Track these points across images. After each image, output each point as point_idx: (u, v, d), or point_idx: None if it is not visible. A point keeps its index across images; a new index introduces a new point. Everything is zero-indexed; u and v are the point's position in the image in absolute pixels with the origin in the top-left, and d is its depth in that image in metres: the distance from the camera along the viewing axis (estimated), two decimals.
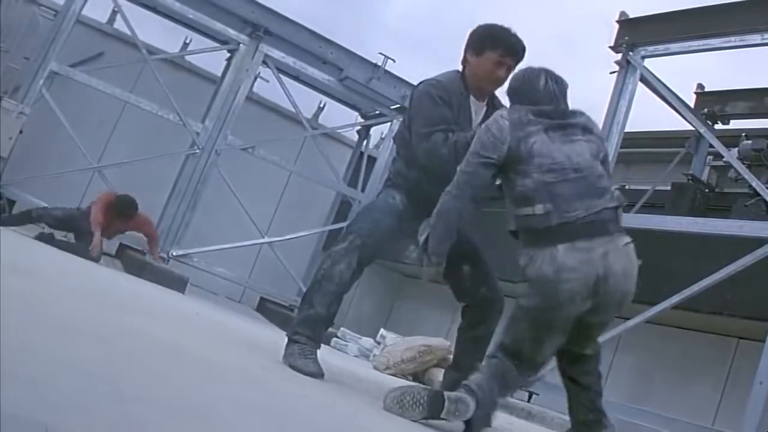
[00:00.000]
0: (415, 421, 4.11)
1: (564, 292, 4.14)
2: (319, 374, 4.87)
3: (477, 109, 5.25)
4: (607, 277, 4.20)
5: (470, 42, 5.25)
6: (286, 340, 5.12)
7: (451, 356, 7.37)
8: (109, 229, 11.73)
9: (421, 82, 5.30)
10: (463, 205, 4.54)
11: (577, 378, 4.60)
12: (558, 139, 4.45)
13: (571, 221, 4.20)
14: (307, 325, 5.12)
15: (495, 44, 5.12)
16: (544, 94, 4.68)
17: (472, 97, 5.23)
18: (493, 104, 5.31)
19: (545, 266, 4.17)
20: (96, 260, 10.89)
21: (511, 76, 4.97)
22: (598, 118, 10.60)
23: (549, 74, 4.74)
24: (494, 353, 4.38)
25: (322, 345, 5.38)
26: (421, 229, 4.74)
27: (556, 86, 4.73)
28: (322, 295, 5.13)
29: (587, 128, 4.60)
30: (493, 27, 5.22)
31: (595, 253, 4.18)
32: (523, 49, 5.15)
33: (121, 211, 11.86)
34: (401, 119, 5.74)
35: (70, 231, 11.52)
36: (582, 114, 4.68)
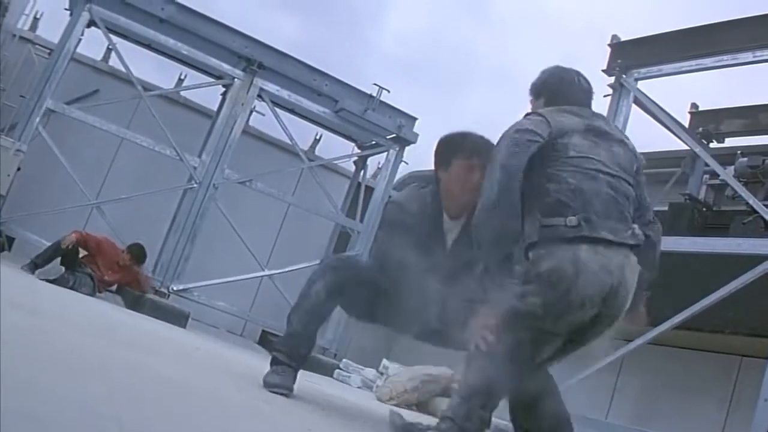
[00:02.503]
0: None
1: (579, 293, 3.92)
2: (281, 387, 4.81)
3: (451, 228, 5.07)
4: (618, 289, 4.01)
5: (436, 159, 5.13)
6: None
7: (455, 385, 7.35)
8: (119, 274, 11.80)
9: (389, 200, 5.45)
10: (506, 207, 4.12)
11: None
12: (595, 142, 4.28)
13: (597, 236, 4.00)
14: (285, 342, 5.14)
15: (458, 151, 5.00)
16: (579, 94, 4.54)
17: (445, 216, 5.07)
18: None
19: (566, 263, 3.93)
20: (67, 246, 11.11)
21: (541, 71, 4.72)
22: None
23: (581, 75, 4.62)
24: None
25: (326, 377, 5.42)
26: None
27: (589, 88, 4.61)
28: (299, 314, 5.13)
29: (621, 140, 4.43)
30: (453, 136, 5.12)
31: (613, 262, 4.00)
32: (487, 145, 4.77)
33: (137, 255, 11.96)
34: None
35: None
36: (608, 121, 4.57)
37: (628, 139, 4.52)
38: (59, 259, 11.20)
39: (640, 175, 4.46)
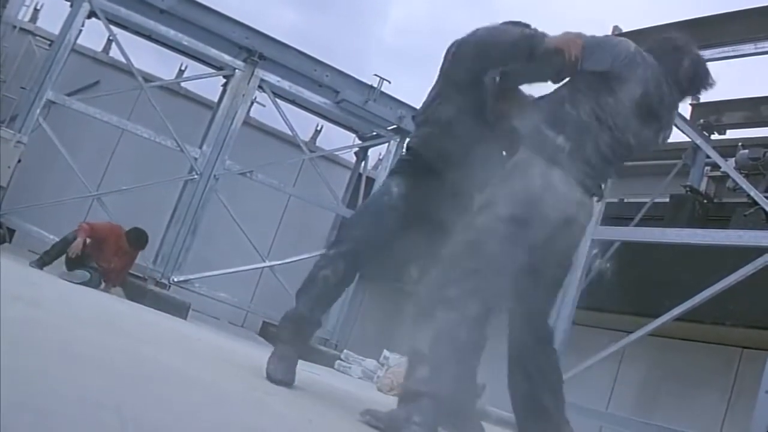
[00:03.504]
0: None
1: (544, 210, 4.04)
2: (284, 382, 4.75)
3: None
4: (571, 223, 4.16)
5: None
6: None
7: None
8: (116, 257, 11.72)
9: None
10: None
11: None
12: (656, 95, 4.32)
13: (573, 168, 4.13)
14: (289, 321, 5.08)
15: None
16: (679, 65, 4.52)
17: None
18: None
19: (537, 178, 4.06)
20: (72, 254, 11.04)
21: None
22: None
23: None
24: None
25: (327, 368, 5.38)
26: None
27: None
28: (306, 297, 5.09)
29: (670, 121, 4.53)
30: None
31: (574, 196, 4.13)
32: None
33: (138, 241, 11.89)
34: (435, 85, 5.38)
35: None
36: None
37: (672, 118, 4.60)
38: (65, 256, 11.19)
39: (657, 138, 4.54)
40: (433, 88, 5.11)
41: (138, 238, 11.89)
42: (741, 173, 10.13)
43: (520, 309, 4.40)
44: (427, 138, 5.00)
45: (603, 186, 4.38)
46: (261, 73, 14.02)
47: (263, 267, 14.62)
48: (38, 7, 16.54)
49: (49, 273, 10.76)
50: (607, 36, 4.43)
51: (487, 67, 4.73)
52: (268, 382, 4.85)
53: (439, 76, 5.07)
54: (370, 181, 15.72)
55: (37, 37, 15.79)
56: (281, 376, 4.75)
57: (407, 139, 5.19)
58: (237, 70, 14.00)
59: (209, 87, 16.40)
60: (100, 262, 11.32)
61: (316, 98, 14.70)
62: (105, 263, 11.38)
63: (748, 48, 8.89)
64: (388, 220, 5.04)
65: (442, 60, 5.06)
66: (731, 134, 12.23)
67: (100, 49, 16.64)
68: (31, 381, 2.58)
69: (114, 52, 15.86)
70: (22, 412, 2.06)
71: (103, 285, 11.31)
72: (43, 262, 11.02)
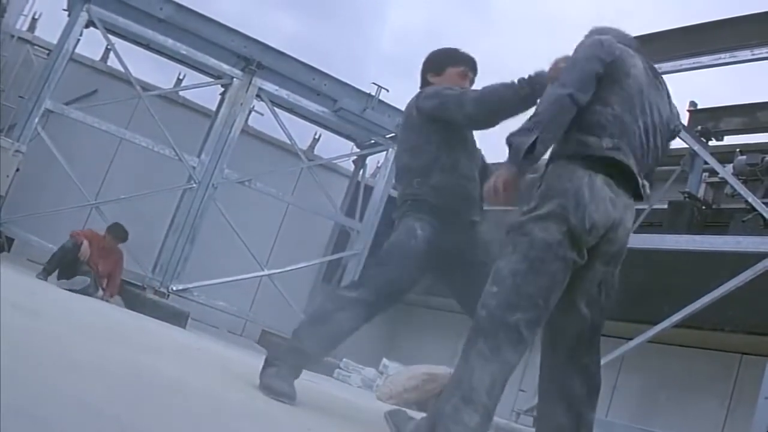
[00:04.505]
0: None
1: (591, 217, 3.88)
2: (290, 396, 4.63)
3: None
4: (618, 226, 4.04)
5: (428, 66, 5.49)
6: (263, 362, 4.90)
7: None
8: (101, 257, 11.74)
9: (413, 99, 5.35)
10: (577, 104, 4.01)
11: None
12: (651, 82, 4.27)
13: (617, 170, 4.00)
14: (292, 356, 4.90)
15: (456, 60, 5.43)
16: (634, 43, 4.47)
17: None
18: None
19: (584, 186, 3.90)
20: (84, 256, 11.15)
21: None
22: None
23: None
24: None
25: (326, 377, 5.35)
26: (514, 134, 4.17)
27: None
28: (316, 336, 4.93)
29: (669, 94, 4.45)
30: (448, 48, 5.53)
31: (620, 200, 4.02)
32: (475, 62, 5.48)
33: (118, 233, 11.92)
34: (399, 141, 5.62)
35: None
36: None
37: (672, 100, 4.54)
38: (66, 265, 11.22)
39: (669, 139, 4.51)
40: (411, 145, 5.27)
41: (120, 230, 11.95)
42: (739, 179, 10.15)
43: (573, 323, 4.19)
44: (442, 189, 5.06)
45: (646, 186, 4.23)
46: (259, 81, 14.03)
47: (262, 275, 14.60)
48: (36, 17, 16.58)
49: (49, 282, 10.77)
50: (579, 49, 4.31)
51: (499, 121, 4.81)
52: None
53: (417, 132, 5.22)
54: (369, 189, 15.72)
55: (36, 47, 15.80)
56: (287, 389, 4.66)
57: (408, 189, 5.10)
58: (235, 79, 14.01)
59: (207, 96, 16.44)
60: (90, 263, 11.36)
61: (314, 107, 14.70)
62: (93, 267, 11.40)
63: (745, 54, 8.91)
64: (412, 266, 4.99)
65: (408, 121, 5.31)
66: (729, 140, 12.26)
67: (98, 58, 16.64)
68: (31, 389, 2.58)
69: (112, 61, 15.85)
70: (21, 420, 2.06)
71: (101, 293, 11.32)
72: (48, 272, 11.06)
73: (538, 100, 4.31)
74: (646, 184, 4.22)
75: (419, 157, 5.16)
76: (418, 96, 5.31)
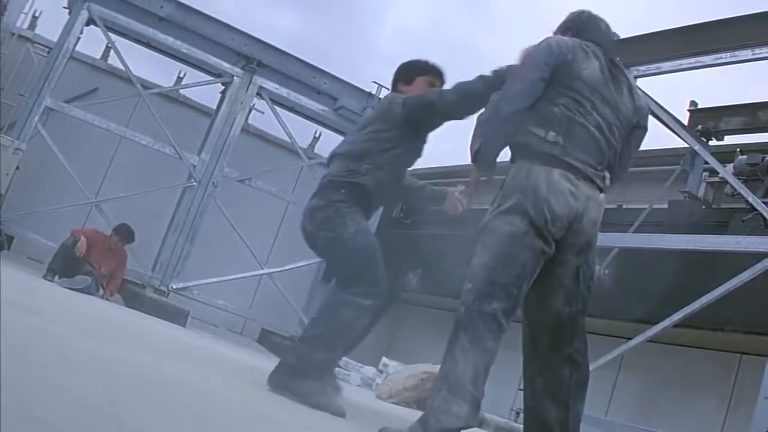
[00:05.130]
0: None
1: (551, 209, 4.08)
2: (343, 411, 4.87)
3: None
4: (582, 217, 4.17)
5: (399, 76, 5.88)
6: (299, 377, 4.91)
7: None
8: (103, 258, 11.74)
9: (393, 95, 5.75)
10: (519, 115, 4.24)
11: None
12: (606, 81, 4.36)
13: (572, 163, 4.17)
14: (327, 367, 5.24)
15: (424, 71, 5.80)
16: (605, 36, 4.62)
17: None
18: None
19: (540, 181, 4.11)
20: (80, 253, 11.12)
21: (569, 12, 4.90)
22: None
23: (608, 24, 4.72)
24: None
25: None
26: (471, 138, 4.53)
27: (611, 35, 4.70)
28: (345, 343, 5.28)
29: (632, 89, 4.52)
30: (417, 59, 5.93)
31: (580, 191, 4.16)
32: (443, 73, 5.87)
33: (125, 234, 11.95)
34: (361, 126, 5.97)
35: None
36: (626, 72, 4.61)
37: (639, 95, 4.63)
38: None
39: (635, 133, 4.57)
40: (375, 130, 5.50)
41: (127, 231, 11.97)
42: (739, 179, 10.13)
43: (544, 315, 4.31)
44: (382, 182, 5.38)
45: (607, 178, 4.36)
46: (259, 80, 14.04)
47: (262, 274, 14.61)
48: (37, 15, 16.57)
49: (49, 281, 10.77)
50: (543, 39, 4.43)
51: (473, 109, 4.99)
52: (267, 390, 4.85)
53: (388, 121, 5.45)
54: None
55: (36, 45, 15.80)
56: (339, 404, 4.95)
57: (353, 174, 5.33)
58: (235, 78, 14.02)
59: (208, 94, 16.43)
60: (92, 263, 11.37)
61: (314, 105, 14.71)
62: (95, 266, 11.41)
63: (746, 54, 8.91)
64: (379, 253, 5.27)
65: (383, 109, 5.62)
66: (729, 140, 12.23)
67: (98, 56, 16.64)
68: (31, 389, 2.58)
69: (112, 60, 15.87)
70: (21, 421, 2.06)
71: (101, 292, 11.33)
72: (54, 272, 11.07)
73: (488, 103, 4.66)
74: (607, 176, 4.35)
75: (376, 146, 5.39)
76: (396, 97, 5.59)
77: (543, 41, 4.38)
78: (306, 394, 4.83)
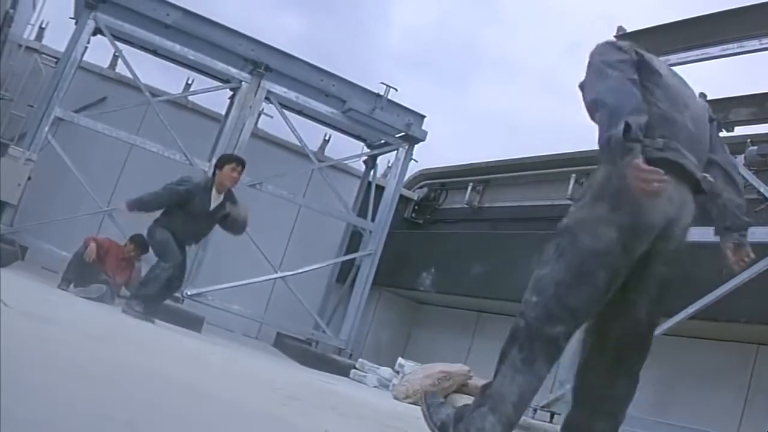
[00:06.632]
0: None
1: (645, 221, 3.69)
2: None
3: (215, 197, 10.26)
4: (675, 224, 3.83)
5: (217, 163, 10.53)
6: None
7: (471, 381, 7.19)
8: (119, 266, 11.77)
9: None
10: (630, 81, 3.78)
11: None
12: (673, 73, 4.14)
13: (675, 163, 3.78)
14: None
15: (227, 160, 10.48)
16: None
17: (213, 191, 10.28)
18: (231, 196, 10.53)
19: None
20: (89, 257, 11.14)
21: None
22: None
23: None
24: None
25: (342, 377, 5.39)
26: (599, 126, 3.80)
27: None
28: None
29: (693, 91, 4.27)
30: (224, 155, 10.90)
31: (677, 196, 3.79)
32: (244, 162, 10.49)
33: (141, 244, 11.99)
34: None
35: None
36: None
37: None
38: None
39: (713, 123, 4.36)
40: None
41: (142, 241, 12.01)
42: (750, 170, 10.11)
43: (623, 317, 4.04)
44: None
45: (707, 178, 4.00)
46: (267, 84, 14.05)
47: (276, 278, 14.62)
48: (43, 26, 16.58)
49: (64, 290, 10.80)
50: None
51: None
52: (283, 393, 4.85)
53: None
54: (380, 189, 15.70)
55: (44, 55, 15.82)
56: None
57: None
58: (243, 83, 14.03)
59: (216, 100, 16.42)
60: (107, 272, 11.39)
61: (323, 108, 14.71)
62: (110, 275, 11.44)
63: (753, 44, 8.90)
64: None
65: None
66: (739, 131, 12.19)
67: (106, 65, 16.65)
68: (45, 397, 2.59)
69: (120, 68, 15.85)
70: (38, 428, 2.07)
71: (116, 300, 11.36)
72: (69, 281, 11.09)
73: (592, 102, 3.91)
74: (706, 176, 4.02)
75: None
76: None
77: (601, 44, 4.05)
78: None
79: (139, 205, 10.44)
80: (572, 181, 14.87)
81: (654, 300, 4.01)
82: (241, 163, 10.69)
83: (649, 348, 4.18)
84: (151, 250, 11.15)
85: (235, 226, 10.78)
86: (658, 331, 8.59)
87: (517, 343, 3.73)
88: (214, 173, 10.63)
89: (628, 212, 3.67)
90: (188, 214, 10.28)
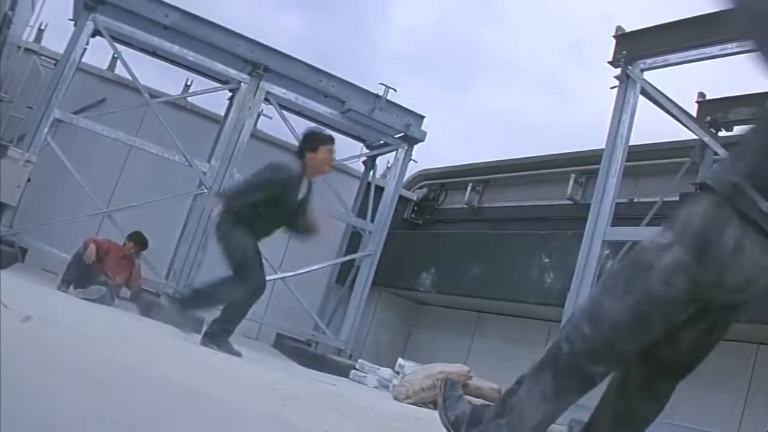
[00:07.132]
0: None
1: (724, 279, 3.28)
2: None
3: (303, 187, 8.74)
4: (755, 283, 3.45)
5: (305, 146, 8.89)
6: None
7: (471, 381, 7.15)
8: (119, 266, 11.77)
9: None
10: None
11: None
12: None
13: None
14: None
15: (323, 140, 8.92)
16: None
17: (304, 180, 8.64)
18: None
19: (726, 241, 3.17)
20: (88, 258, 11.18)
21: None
22: (604, 131, 10.62)
23: None
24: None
25: (342, 378, 5.38)
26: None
27: None
28: None
29: None
30: (315, 132, 9.34)
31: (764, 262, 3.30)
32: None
33: (139, 241, 12.00)
34: None
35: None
36: None
37: None
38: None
39: None
40: None
41: (141, 238, 12.02)
42: None
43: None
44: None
45: None
46: (266, 85, 14.06)
47: (275, 279, 14.60)
48: (42, 27, 16.58)
49: (64, 292, 10.80)
50: None
51: None
52: (283, 393, 4.85)
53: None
54: (379, 189, 15.71)
55: (42, 57, 15.82)
56: None
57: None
58: (242, 84, 14.05)
59: (215, 101, 16.44)
60: (107, 272, 11.40)
61: (322, 109, 14.73)
62: (110, 276, 11.44)
63: (752, 44, 8.88)
64: None
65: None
66: (739, 131, 12.20)
67: (105, 66, 16.66)
68: (45, 398, 2.58)
69: (119, 70, 15.86)
70: (35, 429, 2.06)
71: (116, 301, 11.37)
72: (69, 282, 11.09)
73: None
74: None
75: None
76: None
77: None
78: None
79: (227, 204, 8.79)
80: (572, 182, 14.87)
81: (703, 338, 3.74)
82: (334, 141, 8.93)
83: (686, 377, 3.85)
84: (228, 260, 9.33)
85: (311, 227, 9.35)
86: None
87: (554, 368, 3.46)
88: (302, 156, 8.67)
89: (712, 270, 3.27)
90: (279, 211, 8.69)
